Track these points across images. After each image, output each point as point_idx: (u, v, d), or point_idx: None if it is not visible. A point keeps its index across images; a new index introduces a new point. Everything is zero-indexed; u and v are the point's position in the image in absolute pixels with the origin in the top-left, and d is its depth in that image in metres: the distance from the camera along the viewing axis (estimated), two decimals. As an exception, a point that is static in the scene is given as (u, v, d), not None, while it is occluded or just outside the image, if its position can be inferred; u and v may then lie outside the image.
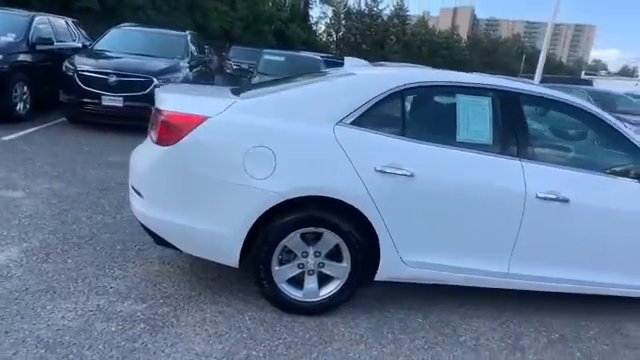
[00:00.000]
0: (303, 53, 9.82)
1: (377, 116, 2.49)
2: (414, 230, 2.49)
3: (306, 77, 2.96)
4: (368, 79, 2.68)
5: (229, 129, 2.37)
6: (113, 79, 6.44)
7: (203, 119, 2.34)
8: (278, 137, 2.37)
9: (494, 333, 2.65)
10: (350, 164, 2.38)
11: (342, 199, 2.38)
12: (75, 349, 2.09)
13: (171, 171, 2.38)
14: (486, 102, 2.61)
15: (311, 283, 2.55)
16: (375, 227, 2.43)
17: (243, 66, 18.24)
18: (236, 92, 2.80)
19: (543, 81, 13.71)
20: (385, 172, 2.39)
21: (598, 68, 67.72)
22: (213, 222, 2.40)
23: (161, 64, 6.97)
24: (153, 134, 2.47)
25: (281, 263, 2.50)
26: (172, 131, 2.36)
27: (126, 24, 8.81)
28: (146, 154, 2.51)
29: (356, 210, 2.40)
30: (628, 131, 2.78)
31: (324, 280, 2.57)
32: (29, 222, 3.32)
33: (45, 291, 2.52)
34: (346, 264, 2.53)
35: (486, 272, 2.65)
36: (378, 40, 54.27)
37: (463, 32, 79.52)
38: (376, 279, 2.60)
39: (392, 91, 2.51)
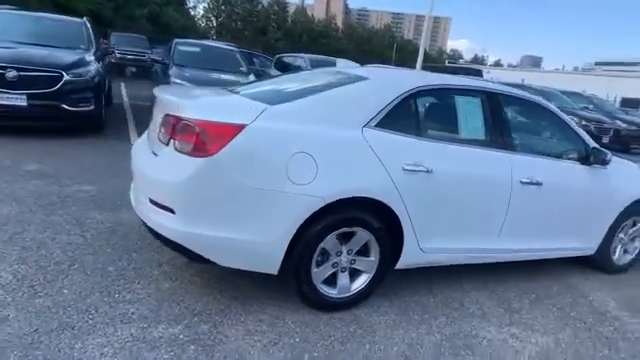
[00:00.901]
0: (218, 44, 9.45)
1: (395, 118, 2.67)
2: (430, 220, 2.76)
3: (312, 78, 3.00)
4: (384, 83, 2.84)
5: (268, 136, 2.33)
6: (12, 74, 5.51)
7: (241, 127, 2.27)
8: (316, 142, 2.41)
9: (490, 302, 3.08)
10: (381, 165, 2.53)
11: (376, 198, 2.53)
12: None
13: (210, 183, 2.26)
14: (478, 103, 2.98)
15: (344, 280, 2.67)
16: (401, 221, 2.64)
17: (130, 56, 16.71)
18: (245, 94, 2.74)
19: (427, 70, 15.19)
20: (410, 170, 2.60)
21: (456, 57, 76.63)
22: (255, 232, 2.36)
23: (68, 56, 6.15)
24: (181, 144, 2.30)
25: (318, 264, 2.56)
26: (210, 141, 2.24)
27: (4, 6, 7.49)
28: (174, 166, 2.31)
29: (386, 206, 2.58)
30: (572, 123, 3.42)
31: (354, 275, 2.72)
32: (-20, 254, 2.81)
33: (61, 329, 2.22)
34: (374, 258, 2.70)
35: (483, 250, 3.06)
36: (260, 27, 53.85)
37: (338, 21, 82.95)
38: (396, 268, 2.83)
39: (407, 94, 2.72)
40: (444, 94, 3.02)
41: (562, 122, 3.38)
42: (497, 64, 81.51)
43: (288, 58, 10.09)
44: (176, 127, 2.34)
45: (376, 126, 2.61)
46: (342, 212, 2.49)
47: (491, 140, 2.99)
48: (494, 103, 3.04)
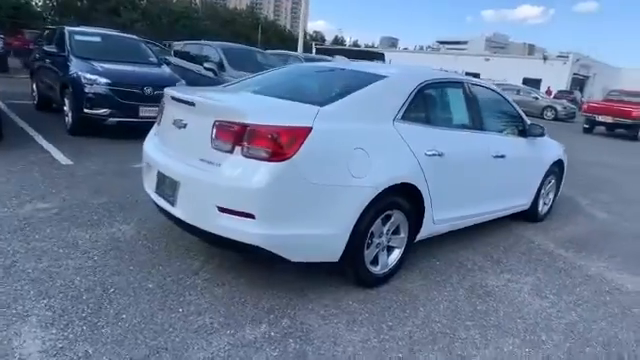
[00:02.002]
0: (120, 34, 8.52)
1: (412, 110, 3.05)
2: (441, 195, 3.23)
3: (324, 75, 3.19)
4: (401, 80, 3.16)
5: (331, 136, 2.50)
6: None
7: (309, 130, 2.41)
8: (367, 138, 2.67)
9: (477, 257, 3.73)
10: (412, 153, 2.90)
11: (411, 182, 2.90)
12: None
13: (288, 185, 2.36)
14: (462, 92, 3.52)
15: (384, 257, 3.01)
16: (424, 200, 3.06)
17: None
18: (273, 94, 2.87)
19: (318, 52, 15.65)
20: (430, 155, 3.02)
21: (318, 38, 79.32)
22: (325, 225, 2.54)
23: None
24: (254, 151, 2.34)
25: (367, 247, 2.85)
26: (286, 146, 2.33)
27: None
28: (249, 172, 2.32)
29: (415, 189, 2.97)
30: (515, 105, 4.22)
31: (389, 252, 3.06)
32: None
33: (156, 353, 2.14)
34: (403, 235, 3.08)
35: (471, 215, 3.67)
36: (112, 7, 48.45)
37: (197, 1, 78.88)
38: (415, 241, 3.26)
39: (417, 88, 3.10)
40: (440, 86, 3.48)
41: (508, 104, 4.15)
42: (355, 45, 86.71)
43: (193, 46, 9.59)
44: (243, 134, 2.37)
45: (401, 119, 2.95)
46: (386, 198, 2.79)
47: (473, 124, 3.58)
48: (470, 92, 3.62)
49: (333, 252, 2.65)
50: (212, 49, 8.84)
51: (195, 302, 2.61)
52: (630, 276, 3.70)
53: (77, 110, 6.30)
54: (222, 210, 2.39)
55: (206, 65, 8.33)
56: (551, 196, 4.98)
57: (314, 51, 29.54)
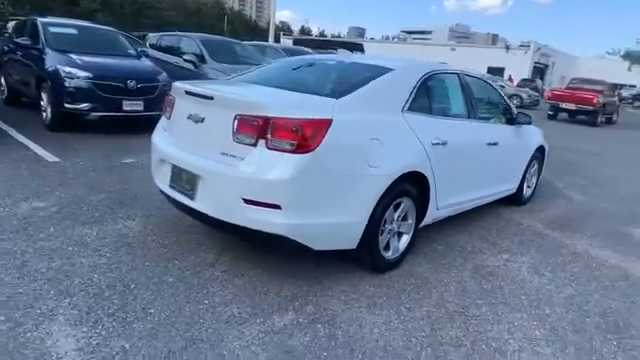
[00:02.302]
0: (96, 25, 8.19)
1: (416, 101, 3.16)
2: (444, 182, 3.37)
3: (331, 68, 3.25)
4: (407, 71, 3.25)
5: (349, 127, 2.58)
6: None
7: (330, 122, 2.47)
8: (381, 128, 2.76)
9: (474, 240, 3.92)
10: (420, 142, 3.02)
11: (420, 170, 3.02)
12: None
13: (312, 176, 2.43)
14: (458, 83, 3.66)
15: (395, 243, 3.13)
16: (430, 187, 3.20)
17: None
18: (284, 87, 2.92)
19: (296, 43, 15.45)
20: (435, 144, 3.15)
21: (284, 28, 78.65)
22: (346, 214, 2.63)
23: None
24: (279, 143, 2.39)
25: (381, 233, 2.96)
26: (310, 138, 2.39)
27: None
28: (275, 164, 2.37)
29: (422, 176, 3.10)
30: (503, 94, 4.41)
31: (399, 237, 3.19)
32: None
33: (193, 344, 2.18)
34: (411, 221, 3.21)
35: (468, 200, 3.85)
36: (71, -4, 46.22)
37: (159, -9, 76.34)
38: (420, 226, 3.40)
39: (422, 80, 3.22)
40: (440, 77, 3.60)
41: (498, 93, 4.34)
42: (322, 35, 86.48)
43: (170, 38, 9.35)
44: (266, 127, 2.41)
45: (408, 110, 3.06)
46: (398, 186, 2.90)
47: (469, 113, 3.73)
48: (465, 82, 3.77)
49: (352, 239, 2.74)
50: (191, 41, 8.68)
51: (219, 294, 2.65)
52: (612, 252, 3.98)
53: (56, 105, 6.09)
54: (248, 202, 2.43)
55: (186, 57, 8.19)
56: (534, 180, 5.25)
57: (290, 42, 29.26)
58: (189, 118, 2.77)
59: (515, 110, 4.45)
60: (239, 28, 66.34)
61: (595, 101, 15.44)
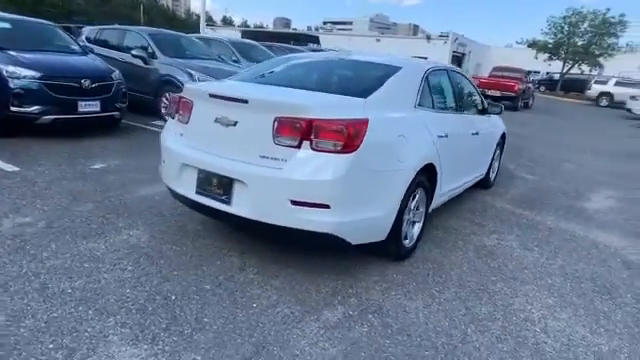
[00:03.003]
0: (30, 18, 7.31)
1: (423, 97, 3.35)
2: (446, 171, 3.61)
3: (338, 67, 3.32)
4: (413, 69, 3.40)
5: (381, 126, 2.69)
6: None
7: (367, 121, 2.57)
8: (404, 125, 2.92)
9: (465, 223, 4.24)
10: (431, 136, 3.22)
11: (432, 162, 3.23)
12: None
13: (356, 174, 2.51)
14: (448, 79, 3.92)
15: (411, 231, 3.31)
16: (438, 177, 3.43)
17: None
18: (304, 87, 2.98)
19: (246, 36, 14.65)
20: (440, 137, 3.38)
21: (206, 18, 75.54)
22: (382, 208, 2.76)
23: None
24: (324, 144, 2.44)
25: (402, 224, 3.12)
26: (354, 138, 2.47)
27: None
28: (322, 165, 2.42)
29: (433, 168, 3.31)
30: (476, 87, 4.77)
31: (413, 226, 3.38)
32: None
33: (263, 347, 2.19)
34: (422, 209, 3.42)
35: (458, 186, 4.15)
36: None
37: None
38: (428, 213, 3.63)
39: (425, 77, 3.42)
40: (437, 74, 3.81)
41: (472, 86, 4.69)
42: (245, 25, 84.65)
43: (112, 32, 8.67)
44: (310, 129, 2.45)
45: (418, 105, 3.25)
46: (417, 178, 3.08)
47: (457, 106, 4.02)
48: (453, 77, 4.04)
49: (384, 231, 2.88)
50: (137, 35, 8.18)
51: (263, 296, 2.66)
52: (576, 225, 4.53)
53: (1, 109, 5.48)
54: (295, 203, 2.47)
55: (134, 52, 7.72)
56: (496, 165, 5.75)
57: (211, 32, 28.13)
58: (217, 122, 2.71)
59: (487, 101, 4.84)
60: (157, 18, 62.58)
61: (516, 88, 16.95)
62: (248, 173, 2.57)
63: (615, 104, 23.90)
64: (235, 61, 9.81)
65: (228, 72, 7.94)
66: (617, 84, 25.01)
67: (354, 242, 2.73)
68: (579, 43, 30.82)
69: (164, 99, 7.60)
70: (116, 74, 6.48)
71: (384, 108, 2.86)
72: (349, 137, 2.47)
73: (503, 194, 5.40)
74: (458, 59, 42.87)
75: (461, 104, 4.12)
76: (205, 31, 37.56)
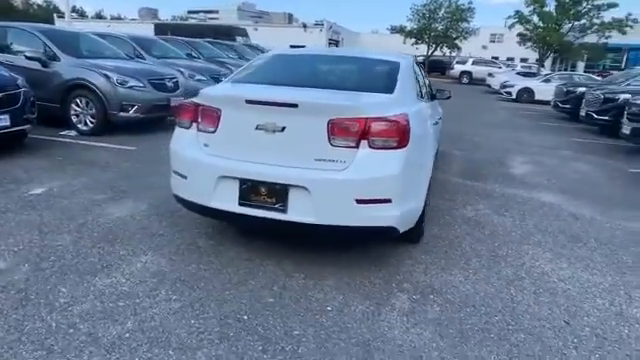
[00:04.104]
0: None
1: (417, 89, 3.60)
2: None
3: (342, 66, 3.35)
4: (406, 62, 3.55)
5: (414, 120, 2.83)
6: None
7: (408, 116, 2.71)
8: (421, 117, 3.12)
9: (440, 200, 4.64)
10: (432, 125, 3.50)
11: (438, 148, 3.51)
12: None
13: (409, 168, 2.64)
14: (418, 69, 4.22)
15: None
16: (437, 159, 3.73)
17: None
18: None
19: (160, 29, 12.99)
20: (433, 124, 3.68)
21: (51, 9, 66.18)
22: (420, 196, 2.95)
23: None
24: (382, 142, 2.52)
25: (421, 208, 3.36)
26: (406, 133, 2.59)
27: None
28: (381, 162, 2.49)
29: (436, 153, 3.60)
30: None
31: (421, 209, 3.64)
32: None
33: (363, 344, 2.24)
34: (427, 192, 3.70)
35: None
36: None
37: None
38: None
39: (413, 68, 3.65)
40: (414, 65, 4.05)
41: (424, 75, 5.10)
42: (99, 16, 76.56)
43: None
44: (367, 128, 2.50)
45: (417, 97, 3.48)
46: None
47: (428, 94, 4.36)
48: (417, 67, 4.36)
49: (417, 217, 3.07)
50: (26, 33, 6.99)
51: (329, 298, 2.66)
52: (518, 189, 5.28)
53: None
54: (360, 202, 2.52)
55: (29, 55, 6.62)
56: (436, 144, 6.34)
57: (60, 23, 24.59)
58: (259, 129, 2.59)
59: (435, 88, 5.30)
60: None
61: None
62: (308, 178, 2.53)
63: (474, 81, 27.53)
64: (139, 57, 9.00)
65: (148, 71, 7.33)
66: (474, 63, 28.75)
67: (402, 230, 2.87)
68: (439, 28, 34.58)
69: (74, 106, 6.69)
70: (21, 81, 5.53)
71: (405, 102, 3.02)
72: (403, 133, 2.59)
73: (448, 170, 6.00)
74: (334, 46, 44.75)
75: (428, 92, 4.48)
76: (57, 23, 32.96)
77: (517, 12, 26.82)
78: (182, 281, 2.78)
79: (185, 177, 2.83)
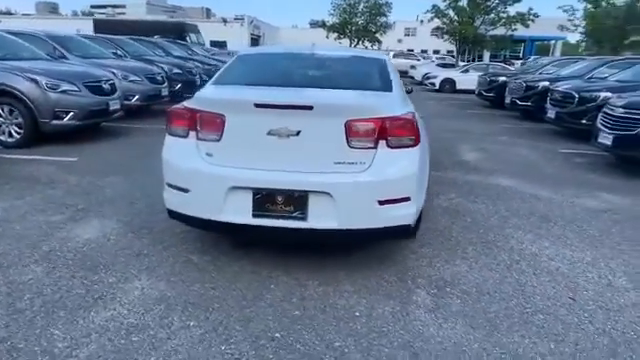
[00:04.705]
0: None
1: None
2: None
3: (344, 64, 3.29)
4: (388, 59, 3.54)
5: (416, 117, 2.85)
6: None
7: (415, 114, 2.72)
8: (417, 113, 3.13)
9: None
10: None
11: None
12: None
13: (422, 164, 2.66)
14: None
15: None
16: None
17: None
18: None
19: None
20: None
21: None
22: (425, 192, 2.96)
23: None
24: (399, 140, 2.49)
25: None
26: (419, 132, 2.59)
27: None
28: (400, 161, 2.46)
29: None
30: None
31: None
32: None
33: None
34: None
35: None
36: None
37: None
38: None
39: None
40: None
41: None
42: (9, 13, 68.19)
43: None
44: (385, 128, 2.46)
45: (406, 93, 3.51)
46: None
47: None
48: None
49: (419, 212, 3.10)
50: None
51: (353, 304, 2.59)
52: (476, 176, 5.59)
53: None
54: (382, 203, 2.48)
55: None
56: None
57: None
58: (272, 134, 2.43)
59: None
60: None
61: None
62: (330, 183, 2.43)
63: (396, 73, 28.67)
64: (62, 57, 8.11)
65: (82, 73, 6.64)
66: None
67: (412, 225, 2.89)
68: (359, 22, 35.50)
69: (-5, 116, 5.86)
70: None
71: (405, 99, 3.04)
72: (417, 131, 2.59)
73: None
74: (255, 41, 44.04)
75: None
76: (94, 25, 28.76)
77: (434, 7, 28.43)
78: (192, 304, 2.55)
79: (186, 191, 2.59)
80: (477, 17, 27.52)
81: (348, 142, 2.46)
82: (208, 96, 2.67)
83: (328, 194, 2.44)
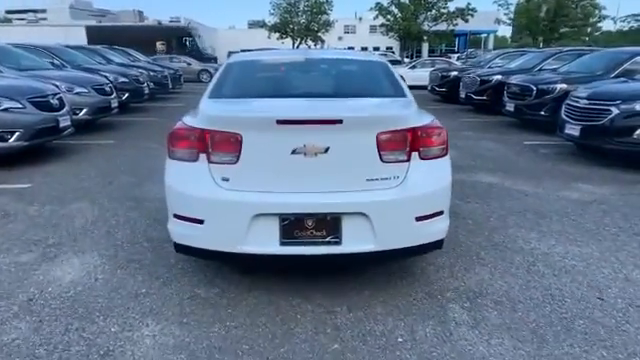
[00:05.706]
0: None
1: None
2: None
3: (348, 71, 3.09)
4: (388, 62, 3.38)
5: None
6: None
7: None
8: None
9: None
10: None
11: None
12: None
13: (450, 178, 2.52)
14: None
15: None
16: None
17: None
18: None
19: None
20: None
21: None
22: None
23: None
24: (429, 151, 2.36)
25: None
26: (447, 139, 2.45)
27: None
28: (433, 174, 2.33)
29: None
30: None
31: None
32: None
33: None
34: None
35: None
36: None
37: None
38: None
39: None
40: None
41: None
42: None
43: None
44: (416, 139, 2.30)
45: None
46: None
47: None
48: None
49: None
50: None
51: (393, 329, 2.42)
52: (462, 175, 5.55)
53: None
54: (419, 219, 2.32)
55: None
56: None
57: None
58: (296, 152, 2.19)
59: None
60: None
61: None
62: (365, 202, 2.23)
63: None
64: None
65: (25, 88, 5.95)
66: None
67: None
68: (301, 22, 35.34)
69: None
70: None
71: (417, 104, 2.90)
72: (446, 139, 2.46)
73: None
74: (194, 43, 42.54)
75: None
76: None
77: (377, 4, 28.89)
78: (219, 349, 2.26)
79: (201, 222, 2.28)
80: (420, 13, 28.37)
81: (380, 156, 2.28)
82: (220, 113, 2.37)
83: (363, 214, 2.25)
